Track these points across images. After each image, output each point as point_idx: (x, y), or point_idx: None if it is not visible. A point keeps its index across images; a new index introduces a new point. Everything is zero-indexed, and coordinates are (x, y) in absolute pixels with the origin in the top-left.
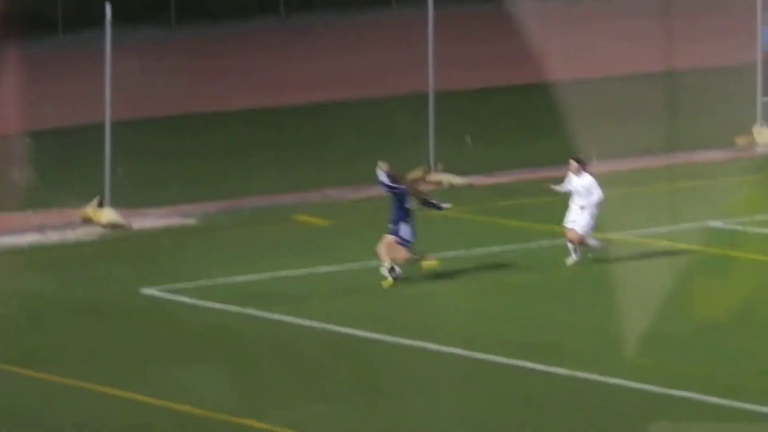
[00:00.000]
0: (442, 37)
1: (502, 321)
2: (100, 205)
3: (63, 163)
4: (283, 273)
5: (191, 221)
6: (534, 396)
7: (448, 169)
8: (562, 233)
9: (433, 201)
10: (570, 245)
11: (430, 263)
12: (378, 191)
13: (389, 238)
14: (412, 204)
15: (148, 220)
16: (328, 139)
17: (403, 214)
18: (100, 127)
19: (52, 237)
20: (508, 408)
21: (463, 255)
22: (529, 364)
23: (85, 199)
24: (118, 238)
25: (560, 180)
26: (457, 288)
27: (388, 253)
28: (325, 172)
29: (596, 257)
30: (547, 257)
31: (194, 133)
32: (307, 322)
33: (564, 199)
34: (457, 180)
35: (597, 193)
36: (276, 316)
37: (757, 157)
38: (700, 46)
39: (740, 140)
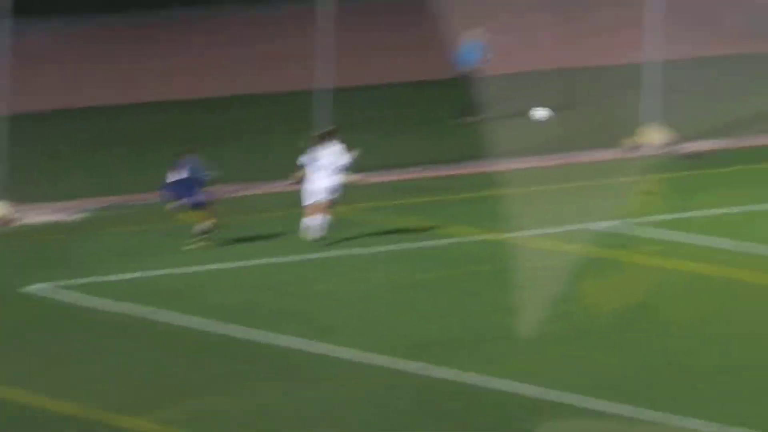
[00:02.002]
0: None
1: (386, 319)
2: None
3: None
4: (172, 270)
5: (82, 216)
6: (416, 398)
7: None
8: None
9: None
10: (315, 221)
11: None
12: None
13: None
14: None
15: (39, 215)
16: (219, 135)
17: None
18: None
19: None
20: (385, 410)
21: (361, 253)
22: (414, 364)
23: None
24: (6, 233)
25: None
26: (350, 286)
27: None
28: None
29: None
30: (438, 257)
31: (90, 125)
32: (196, 319)
33: (460, 197)
34: (354, 177)
35: (347, 157)
36: (163, 313)
37: (644, 158)
38: (590, 43)
39: (628, 141)
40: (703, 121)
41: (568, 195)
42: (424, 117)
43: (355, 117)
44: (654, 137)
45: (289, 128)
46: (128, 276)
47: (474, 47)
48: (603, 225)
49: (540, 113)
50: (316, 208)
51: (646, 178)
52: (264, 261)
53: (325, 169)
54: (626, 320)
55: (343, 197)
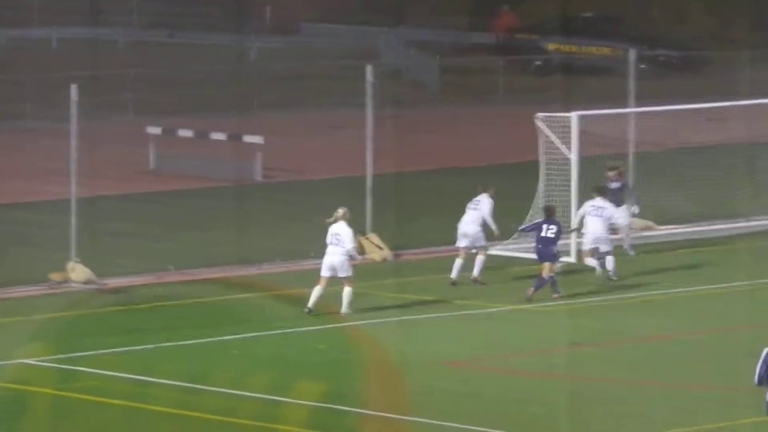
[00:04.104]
0: None
1: None
2: None
3: None
4: None
5: None
6: None
7: None
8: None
9: None
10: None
11: None
12: None
13: None
14: None
15: None
16: None
17: None
18: None
19: None
20: None
21: None
22: None
23: None
24: None
25: None
26: None
27: None
28: None
29: None
30: None
31: None
32: None
33: None
34: None
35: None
36: None
37: (72, 293)
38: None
39: (54, 276)
40: (126, 258)
41: None
42: None
43: None
44: (79, 274)
45: None
46: None
47: None
48: (29, 361)
49: None
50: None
51: (63, 313)
52: None
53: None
54: None
55: None
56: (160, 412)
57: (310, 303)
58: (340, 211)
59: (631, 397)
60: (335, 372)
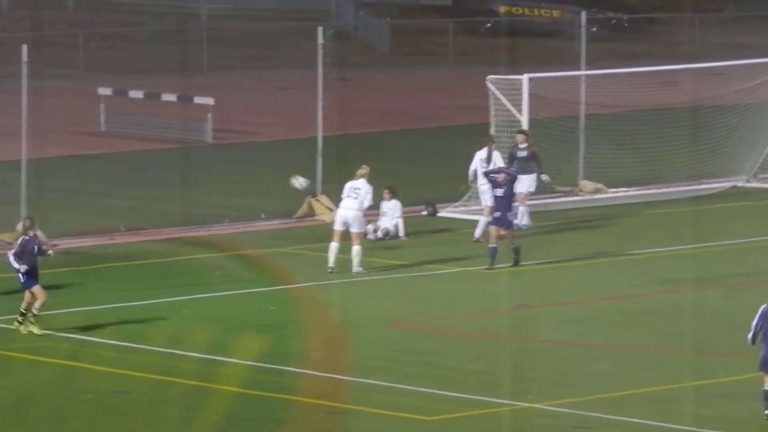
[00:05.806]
0: None
1: None
2: None
3: None
4: None
5: None
6: None
7: None
8: None
9: None
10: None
11: None
12: None
13: None
14: None
15: None
16: None
17: None
18: None
19: None
20: None
21: None
22: None
23: None
24: None
25: None
26: None
27: None
28: None
29: None
30: None
31: None
32: None
33: None
34: None
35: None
36: None
37: None
38: None
39: (4, 237)
40: (76, 218)
41: None
42: None
43: None
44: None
45: None
46: None
47: None
48: None
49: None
50: None
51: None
52: None
53: None
54: None
55: None
56: (97, 371)
57: (330, 262)
58: (363, 170)
59: (574, 358)
60: (282, 332)
